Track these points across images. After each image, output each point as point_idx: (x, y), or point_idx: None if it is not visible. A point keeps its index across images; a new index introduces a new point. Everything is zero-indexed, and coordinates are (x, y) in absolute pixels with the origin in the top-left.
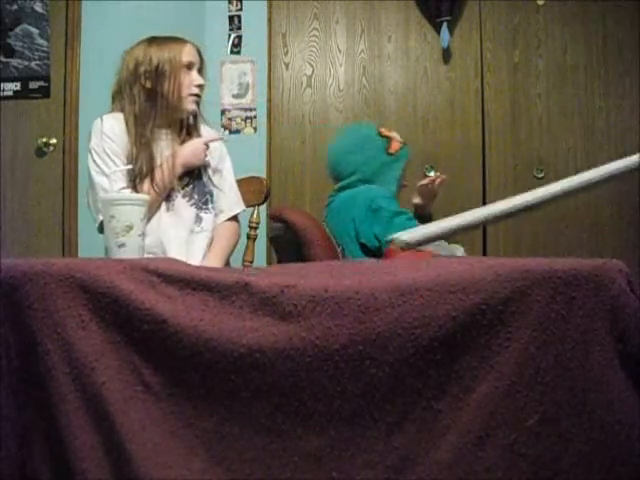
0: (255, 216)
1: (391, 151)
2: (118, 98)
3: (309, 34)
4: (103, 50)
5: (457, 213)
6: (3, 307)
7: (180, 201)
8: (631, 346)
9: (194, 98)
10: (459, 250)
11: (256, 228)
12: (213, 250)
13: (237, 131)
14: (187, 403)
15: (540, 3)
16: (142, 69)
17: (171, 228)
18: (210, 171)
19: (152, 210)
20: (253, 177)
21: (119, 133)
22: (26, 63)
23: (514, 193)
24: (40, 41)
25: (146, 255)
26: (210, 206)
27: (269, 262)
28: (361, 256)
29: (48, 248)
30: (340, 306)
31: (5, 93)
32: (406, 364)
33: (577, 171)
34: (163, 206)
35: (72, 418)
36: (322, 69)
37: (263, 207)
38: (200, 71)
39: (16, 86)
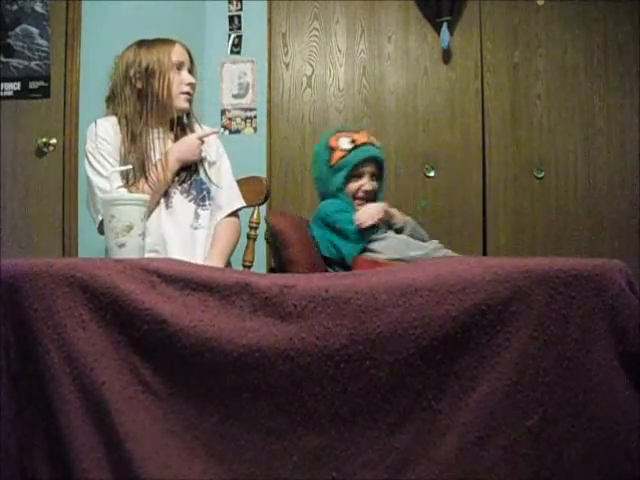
0: (255, 216)
1: (332, 163)
2: (111, 102)
3: (309, 34)
4: (103, 50)
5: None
6: (3, 307)
7: (178, 198)
8: (631, 346)
9: (185, 96)
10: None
11: (256, 228)
12: (214, 249)
13: (237, 131)
14: (187, 403)
15: (540, 3)
16: (132, 71)
17: (171, 226)
18: (207, 167)
19: (150, 208)
20: (253, 177)
21: (113, 135)
22: (26, 63)
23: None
24: (40, 41)
25: (147, 254)
26: (207, 203)
27: (269, 262)
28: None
29: (48, 248)
30: (340, 306)
31: (5, 93)
32: (406, 364)
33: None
34: (162, 204)
35: (72, 418)
36: (322, 69)
37: (263, 207)
38: (190, 70)
39: (16, 86)
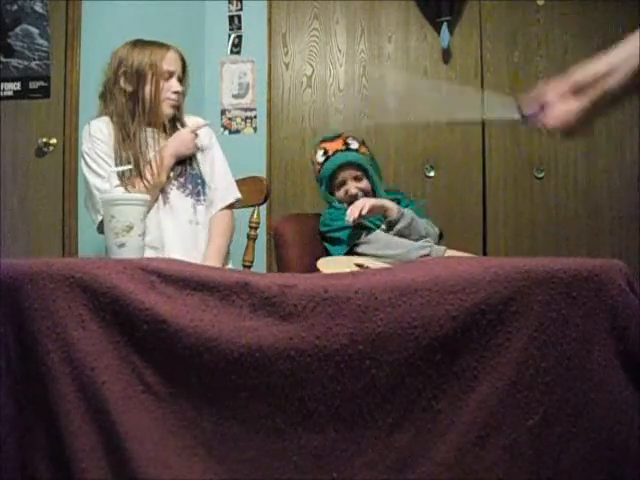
0: (255, 216)
1: (315, 176)
2: (104, 99)
3: (309, 34)
4: (103, 50)
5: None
6: (3, 307)
7: (175, 193)
8: (631, 346)
9: (171, 102)
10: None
11: (256, 228)
12: (211, 246)
13: (237, 131)
14: (187, 403)
15: (540, 3)
16: (123, 70)
17: (169, 221)
18: (200, 159)
19: (149, 206)
20: (253, 177)
21: (107, 134)
22: (26, 63)
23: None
24: (40, 41)
25: (147, 250)
26: (202, 197)
27: (269, 262)
28: None
29: (48, 248)
30: (340, 306)
31: (5, 93)
32: (406, 364)
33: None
34: (160, 200)
35: (72, 418)
36: (322, 69)
37: (263, 207)
38: (182, 77)
39: (16, 86)
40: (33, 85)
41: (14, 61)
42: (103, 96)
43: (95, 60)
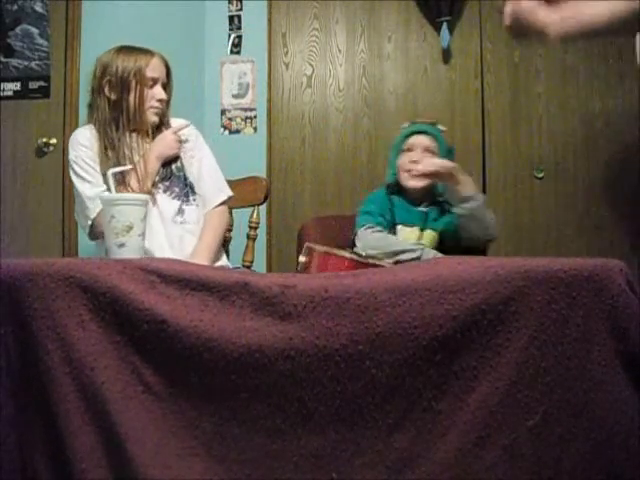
0: (255, 216)
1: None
2: (90, 107)
3: (309, 34)
4: (103, 50)
5: None
6: (3, 307)
7: (161, 196)
8: (631, 346)
9: (155, 110)
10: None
11: (256, 228)
12: (201, 242)
13: (237, 131)
14: (187, 403)
15: None
16: (107, 77)
17: (157, 225)
18: (187, 161)
19: None
20: (253, 177)
21: (93, 141)
22: (26, 63)
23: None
24: (40, 41)
25: None
26: (191, 198)
27: (269, 262)
28: None
29: (48, 248)
30: (340, 306)
31: (5, 93)
32: (406, 364)
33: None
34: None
35: (72, 418)
36: (322, 69)
37: (263, 207)
38: (166, 85)
39: (16, 86)
40: (33, 85)
41: (14, 61)
42: (90, 105)
43: (95, 60)
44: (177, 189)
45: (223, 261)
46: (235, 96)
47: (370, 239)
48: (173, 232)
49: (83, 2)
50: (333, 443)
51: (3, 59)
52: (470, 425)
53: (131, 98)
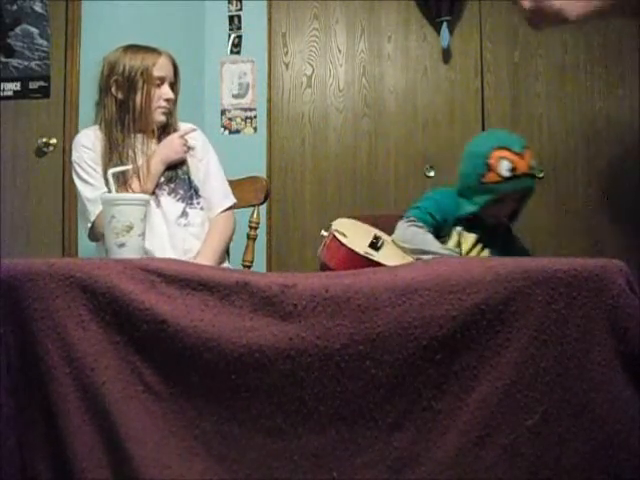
0: (255, 216)
1: (483, 180)
2: (97, 107)
3: (309, 34)
4: (103, 50)
5: None
6: (3, 307)
7: (166, 198)
8: (631, 346)
9: (162, 110)
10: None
11: (256, 228)
12: (206, 245)
13: (237, 131)
14: (187, 403)
15: None
16: (114, 77)
17: (161, 226)
18: (193, 165)
19: None
20: (253, 177)
21: (97, 143)
22: (26, 63)
23: None
24: (40, 41)
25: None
26: (195, 201)
27: (269, 262)
28: None
29: (48, 248)
30: (340, 306)
31: (5, 93)
32: (406, 364)
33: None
34: (152, 205)
35: (72, 418)
36: (322, 69)
37: (263, 207)
38: (173, 83)
39: (16, 86)
40: (33, 85)
41: (14, 61)
42: (97, 103)
43: (95, 60)
44: (182, 191)
45: (225, 265)
46: (235, 96)
47: (406, 232)
48: (176, 234)
49: (83, 2)
50: (333, 443)
51: (3, 59)
52: (470, 425)
53: (138, 97)
